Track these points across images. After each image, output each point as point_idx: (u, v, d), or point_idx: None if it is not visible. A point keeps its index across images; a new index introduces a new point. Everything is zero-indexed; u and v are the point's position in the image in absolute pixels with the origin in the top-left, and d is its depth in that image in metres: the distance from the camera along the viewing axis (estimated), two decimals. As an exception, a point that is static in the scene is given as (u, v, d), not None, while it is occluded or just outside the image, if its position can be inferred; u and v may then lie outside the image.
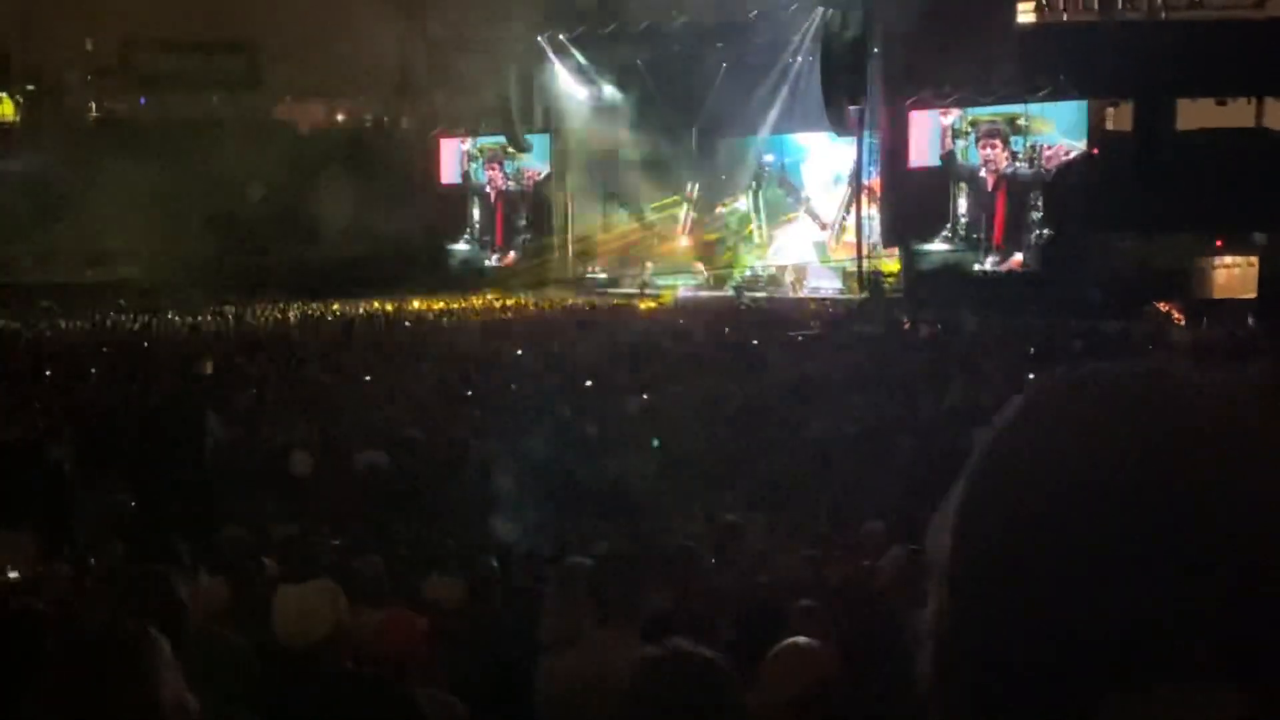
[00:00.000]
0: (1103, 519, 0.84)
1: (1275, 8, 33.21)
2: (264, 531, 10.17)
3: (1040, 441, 0.90)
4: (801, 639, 4.07)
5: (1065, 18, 36.39)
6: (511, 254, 46.71)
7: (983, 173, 35.91)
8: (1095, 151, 33.90)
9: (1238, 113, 33.28)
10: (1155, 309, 30.79)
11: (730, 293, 39.88)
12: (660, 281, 43.06)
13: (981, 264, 35.69)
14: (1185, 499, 0.83)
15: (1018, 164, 35.22)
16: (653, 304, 38.24)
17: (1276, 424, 0.87)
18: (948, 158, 36.53)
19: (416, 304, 37.86)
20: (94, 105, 52.81)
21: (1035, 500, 0.87)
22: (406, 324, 33.13)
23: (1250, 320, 27.81)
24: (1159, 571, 0.82)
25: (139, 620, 3.37)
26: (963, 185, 36.24)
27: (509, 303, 39.20)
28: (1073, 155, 34.25)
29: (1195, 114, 33.66)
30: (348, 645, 5.09)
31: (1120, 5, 35.32)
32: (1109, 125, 35.18)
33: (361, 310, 36.04)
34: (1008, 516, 0.88)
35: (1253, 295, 31.50)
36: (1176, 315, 30.51)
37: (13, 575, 9.27)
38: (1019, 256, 35.09)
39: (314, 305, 36.70)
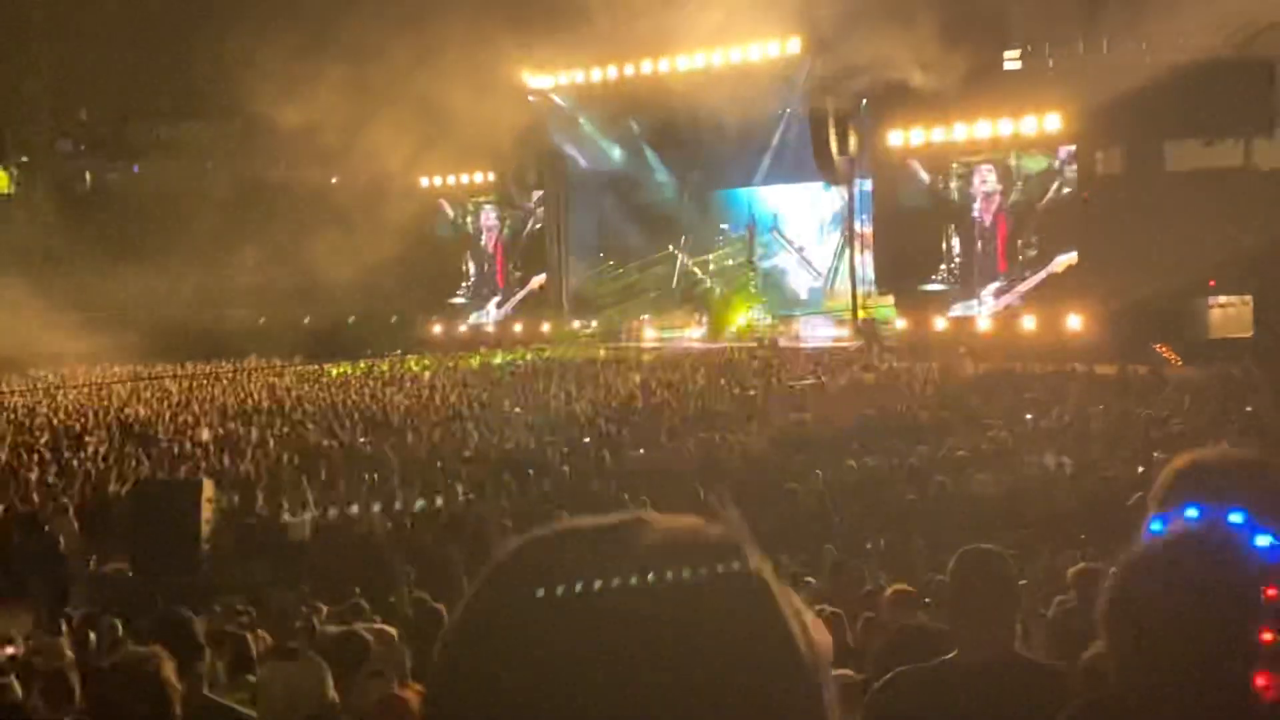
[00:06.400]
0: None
1: (1260, 47, 33.38)
2: (259, 600, 10.10)
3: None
4: None
5: (1051, 63, 36.57)
6: (513, 300, 46.48)
7: (975, 209, 36.00)
8: (1086, 197, 34.00)
9: (1226, 153, 33.34)
10: (1153, 350, 30.70)
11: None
12: (654, 333, 43.00)
13: (978, 296, 35.60)
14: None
15: (1013, 193, 35.38)
16: (649, 356, 38.10)
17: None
18: (938, 199, 36.69)
19: (413, 364, 37.73)
20: (88, 175, 52.98)
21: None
22: (406, 383, 33.06)
23: (1247, 360, 27.67)
24: None
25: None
26: (954, 225, 36.33)
27: (508, 358, 39.03)
28: (1065, 193, 34.41)
29: (1184, 155, 33.74)
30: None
31: (1105, 49, 35.48)
32: (1099, 169, 35.25)
33: (360, 369, 35.95)
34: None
35: (1248, 334, 31.41)
36: (1173, 356, 30.42)
37: (9, 650, 9.16)
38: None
39: (311, 367, 36.53)
